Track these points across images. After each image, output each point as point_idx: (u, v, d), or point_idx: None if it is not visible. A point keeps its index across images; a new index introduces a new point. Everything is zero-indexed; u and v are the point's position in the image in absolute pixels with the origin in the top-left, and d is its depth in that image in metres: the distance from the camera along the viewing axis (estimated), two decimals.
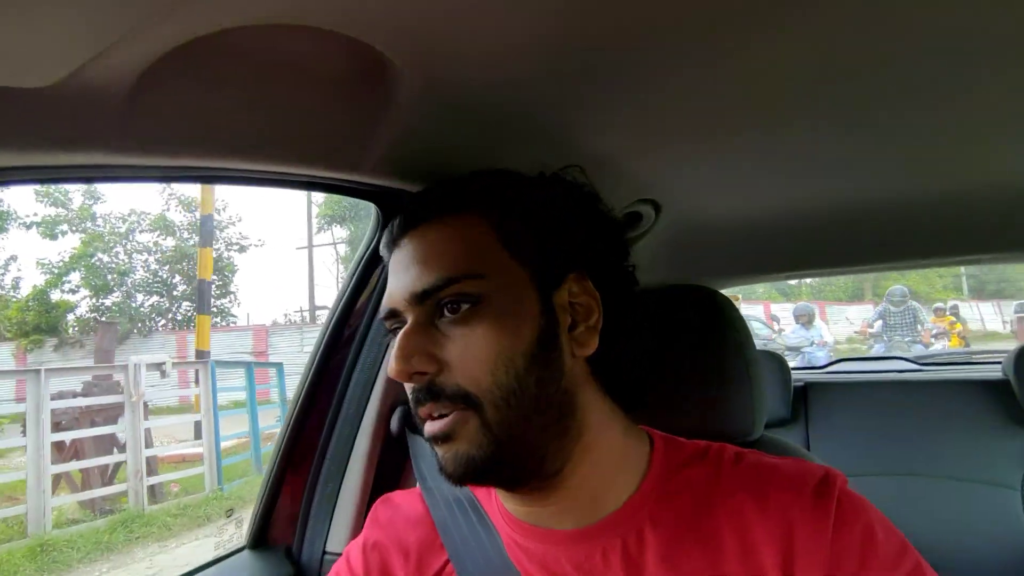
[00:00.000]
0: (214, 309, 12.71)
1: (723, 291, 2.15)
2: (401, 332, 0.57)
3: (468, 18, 0.56)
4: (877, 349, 7.57)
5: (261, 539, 0.99)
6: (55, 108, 0.48)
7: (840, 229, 1.48)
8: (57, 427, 5.34)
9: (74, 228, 11.92)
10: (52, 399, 5.26)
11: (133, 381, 5.64)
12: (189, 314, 12.55)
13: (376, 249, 0.98)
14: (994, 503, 1.58)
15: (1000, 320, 17.69)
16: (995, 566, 1.52)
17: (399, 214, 0.62)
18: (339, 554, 0.94)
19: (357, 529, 0.95)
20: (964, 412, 1.70)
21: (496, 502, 0.66)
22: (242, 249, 13.28)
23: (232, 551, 0.97)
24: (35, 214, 11.41)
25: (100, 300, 11.87)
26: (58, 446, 5.34)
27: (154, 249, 12.60)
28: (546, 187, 0.64)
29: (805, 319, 7.46)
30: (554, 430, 0.57)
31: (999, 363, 1.88)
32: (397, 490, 0.77)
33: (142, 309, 12.02)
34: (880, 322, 7.87)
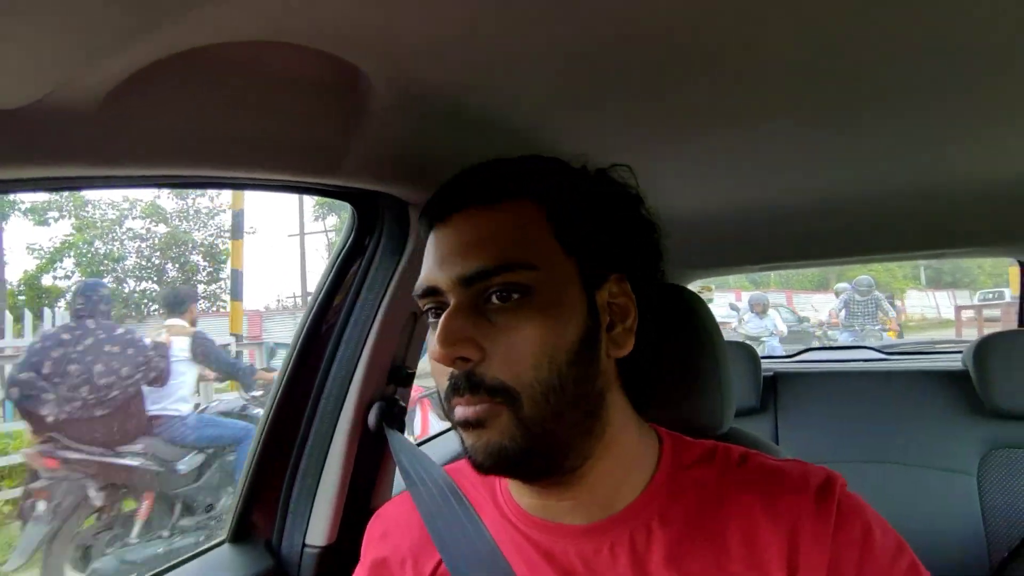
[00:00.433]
0: (205, 295, 12.54)
1: (696, 281, 2.16)
2: (446, 314, 0.53)
3: (436, 28, 0.54)
4: (844, 338, 7.59)
5: (241, 533, 0.97)
6: (28, 126, 0.47)
7: (814, 223, 1.48)
8: None
9: (65, 215, 11.66)
10: None
11: None
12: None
13: (353, 247, 0.96)
14: (952, 488, 1.60)
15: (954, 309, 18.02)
16: (953, 549, 1.54)
17: (442, 190, 0.58)
18: (319, 547, 0.93)
19: (336, 523, 0.94)
20: (926, 401, 1.72)
21: (504, 495, 0.64)
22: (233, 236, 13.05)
23: (212, 545, 0.95)
24: (23, 201, 11.15)
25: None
26: None
27: (146, 236, 12.35)
28: (596, 182, 0.62)
29: (760, 308, 7.43)
30: (583, 427, 0.56)
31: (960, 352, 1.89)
32: (386, 503, 0.75)
33: (134, 295, 11.81)
34: (844, 311, 7.90)
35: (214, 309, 12.34)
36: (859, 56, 0.67)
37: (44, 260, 10.96)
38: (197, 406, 3.67)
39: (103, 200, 12.03)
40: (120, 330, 3.07)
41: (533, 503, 0.61)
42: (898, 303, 8.27)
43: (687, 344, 0.77)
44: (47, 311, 4.95)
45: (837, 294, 8.19)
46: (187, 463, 3.13)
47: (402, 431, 0.95)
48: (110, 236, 11.89)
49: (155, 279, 12.16)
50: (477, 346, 0.52)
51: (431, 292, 0.56)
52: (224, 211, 12.72)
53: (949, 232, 1.56)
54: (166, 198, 12.39)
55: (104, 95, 0.49)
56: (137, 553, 2.81)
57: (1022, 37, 0.63)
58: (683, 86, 0.73)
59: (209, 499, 3.16)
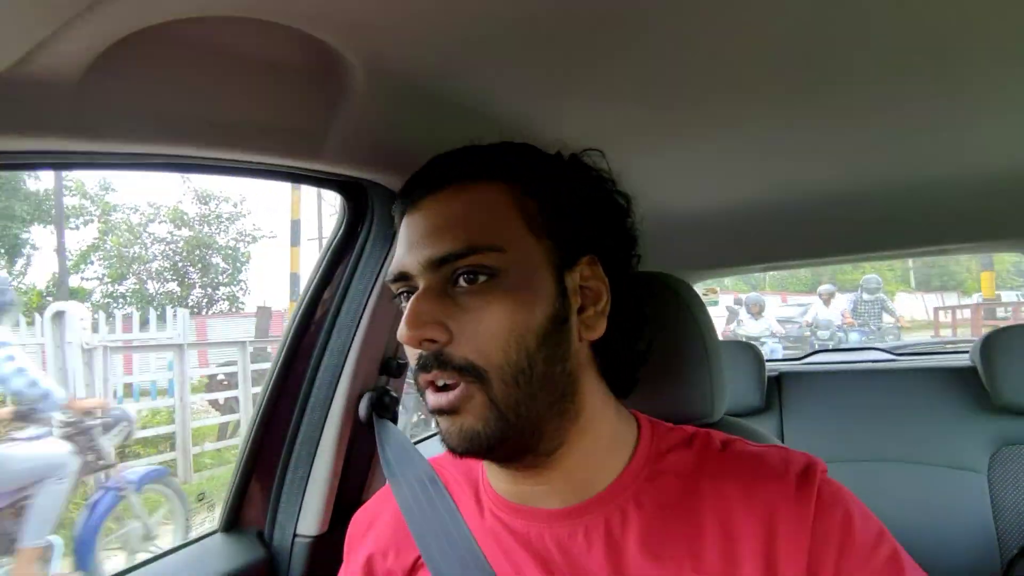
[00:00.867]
0: (225, 297, 12.59)
1: (701, 283, 2.10)
2: (414, 297, 0.52)
3: (413, 9, 0.52)
4: (855, 338, 7.39)
5: (233, 522, 0.95)
6: (4, 94, 0.46)
7: (816, 220, 1.43)
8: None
9: (93, 219, 11.75)
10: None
11: None
12: (201, 300, 12.42)
13: (344, 238, 0.93)
14: (961, 486, 1.53)
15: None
16: (962, 547, 1.48)
17: (414, 176, 0.57)
18: (310, 537, 0.89)
19: (327, 513, 0.91)
20: (934, 399, 1.65)
21: (484, 482, 0.63)
22: (254, 240, 13.12)
23: (204, 534, 0.92)
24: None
25: (115, 287, 11.71)
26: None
27: (170, 239, 12.40)
28: (568, 166, 0.60)
29: (756, 309, 7.31)
30: (555, 410, 0.54)
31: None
32: (367, 500, 0.73)
33: (158, 295, 11.86)
34: (851, 310, 7.73)
35: (232, 309, 12.38)
36: (856, 46, 0.64)
37: (72, 262, 11.05)
38: None
39: (126, 205, 12.15)
40: None
41: (510, 488, 0.59)
42: (890, 305, 8.13)
43: (673, 332, 0.74)
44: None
45: (820, 295, 7.99)
46: None
47: (394, 422, 0.91)
48: (135, 239, 11.97)
49: (178, 280, 12.23)
50: (444, 328, 0.51)
51: (402, 277, 0.55)
52: (245, 215, 12.84)
53: (954, 226, 1.49)
54: (189, 203, 12.46)
55: (83, 69, 0.48)
56: None
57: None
58: (672, 77, 0.70)
59: None
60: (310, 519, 0.91)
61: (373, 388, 0.93)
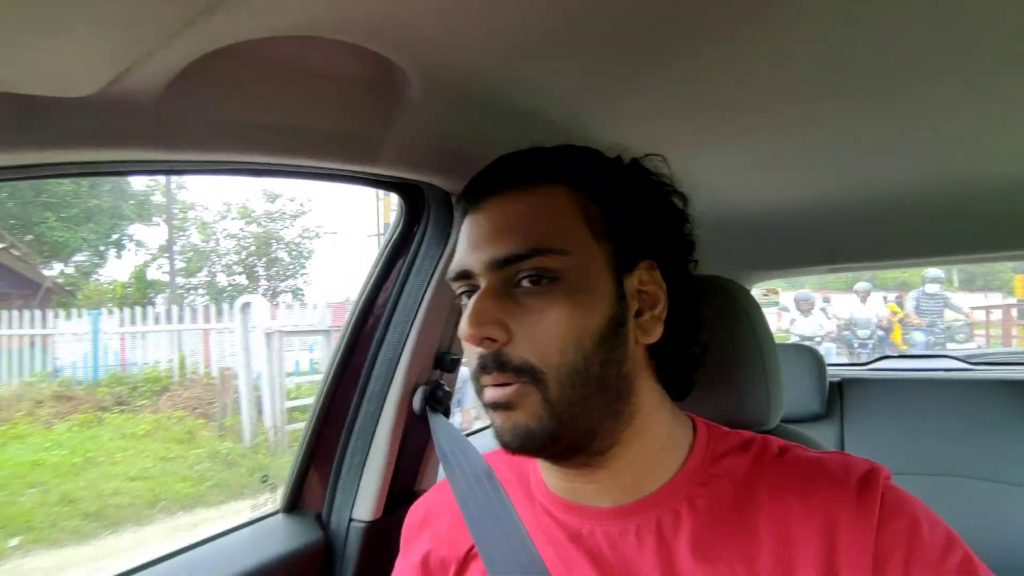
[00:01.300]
0: (287, 291, 12.96)
1: (760, 284, 1.98)
2: (476, 296, 0.52)
3: (467, 19, 0.52)
4: (918, 340, 6.84)
5: (294, 504, 0.98)
6: (95, 114, 0.50)
7: (882, 221, 1.33)
8: None
9: (168, 217, 12.30)
10: None
11: None
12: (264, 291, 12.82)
13: (402, 236, 0.94)
14: None
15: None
16: None
17: (477, 176, 0.57)
18: (365, 521, 0.90)
19: (381, 500, 0.93)
20: (1005, 412, 1.52)
21: (536, 478, 0.62)
22: (316, 236, 13.51)
23: (267, 514, 0.94)
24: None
25: (189, 279, 12.26)
26: None
27: (240, 236, 12.86)
28: (629, 170, 0.59)
29: (806, 306, 6.92)
30: (610, 411, 0.53)
31: None
32: (424, 492, 0.74)
33: (227, 287, 12.34)
34: (914, 308, 7.12)
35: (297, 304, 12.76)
36: (920, 38, 0.59)
37: (150, 256, 11.62)
38: None
39: (199, 203, 12.65)
40: None
41: (562, 485, 0.58)
42: (954, 301, 7.37)
43: (728, 336, 0.71)
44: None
45: (858, 293, 7.42)
46: None
47: (447, 415, 0.92)
48: (209, 235, 12.46)
49: (246, 274, 12.66)
50: (504, 327, 0.51)
51: (464, 275, 0.55)
52: (306, 212, 13.17)
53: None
54: (256, 201, 12.89)
55: (162, 87, 0.50)
56: None
57: None
58: (733, 80, 0.67)
59: None
60: (365, 504, 0.92)
61: (427, 382, 0.94)
